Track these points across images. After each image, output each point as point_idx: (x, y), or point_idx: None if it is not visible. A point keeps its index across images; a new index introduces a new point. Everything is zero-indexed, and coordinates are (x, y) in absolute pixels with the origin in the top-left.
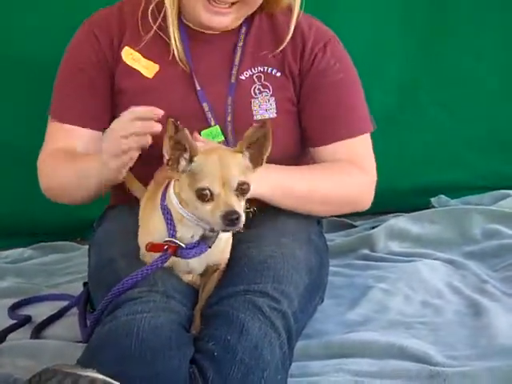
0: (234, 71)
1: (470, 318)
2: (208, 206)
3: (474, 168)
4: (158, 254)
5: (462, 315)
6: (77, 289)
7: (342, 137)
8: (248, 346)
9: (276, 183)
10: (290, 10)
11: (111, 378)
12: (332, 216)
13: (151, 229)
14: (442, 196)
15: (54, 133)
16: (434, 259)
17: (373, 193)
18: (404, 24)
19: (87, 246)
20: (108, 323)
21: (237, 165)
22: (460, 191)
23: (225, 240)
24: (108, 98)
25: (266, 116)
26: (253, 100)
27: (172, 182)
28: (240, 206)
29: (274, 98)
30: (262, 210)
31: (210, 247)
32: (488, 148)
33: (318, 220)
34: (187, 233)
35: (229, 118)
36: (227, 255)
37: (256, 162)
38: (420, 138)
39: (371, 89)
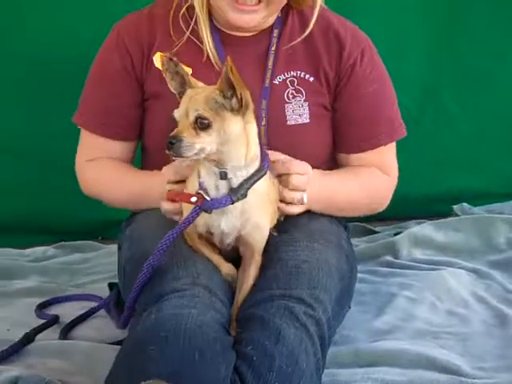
0: (268, 75)
1: (497, 329)
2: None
3: (495, 174)
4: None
5: (488, 326)
6: (101, 289)
7: (374, 146)
8: (284, 352)
9: (319, 193)
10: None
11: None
12: (354, 221)
13: (188, 185)
14: (465, 204)
15: (86, 141)
16: (459, 268)
17: (390, 197)
18: (425, 26)
19: (109, 246)
20: (154, 314)
21: (206, 99)
22: (481, 198)
23: (254, 209)
24: (137, 104)
25: (299, 121)
26: (286, 105)
27: None
28: (193, 136)
29: (307, 103)
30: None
31: (233, 202)
32: (509, 154)
33: (345, 225)
34: (209, 181)
35: (263, 122)
36: (261, 237)
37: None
38: (441, 143)
39: None
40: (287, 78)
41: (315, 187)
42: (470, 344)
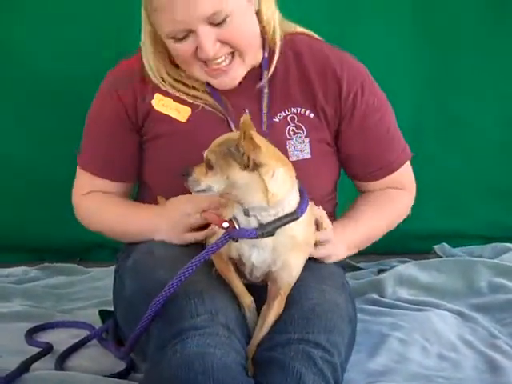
0: (265, 119)
1: (488, 375)
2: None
3: (473, 216)
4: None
5: (480, 372)
6: (90, 316)
7: (388, 173)
8: None
9: (351, 244)
10: (303, 33)
11: None
12: None
13: (224, 212)
14: (445, 244)
15: (85, 178)
16: (443, 309)
17: (410, 207)
18: (412, 69)
19: (92, 270)
20: (179, 352)
21: (221, 143)
22: (459, 238)
23: (285, 247)
24: (134, 150)
25: (301, 157)
26: (288, 141)
27: None
28: (202, 173)
29: (308, 139)
30: None
31: (257, 237)
32: (489, 197)
33: (343, 264)
34: (240, 213)
35: None
36: (289, 277)
37: None
38: (421, 182)
39: None
40: (288, 115)
41: (345, 244)
42: None
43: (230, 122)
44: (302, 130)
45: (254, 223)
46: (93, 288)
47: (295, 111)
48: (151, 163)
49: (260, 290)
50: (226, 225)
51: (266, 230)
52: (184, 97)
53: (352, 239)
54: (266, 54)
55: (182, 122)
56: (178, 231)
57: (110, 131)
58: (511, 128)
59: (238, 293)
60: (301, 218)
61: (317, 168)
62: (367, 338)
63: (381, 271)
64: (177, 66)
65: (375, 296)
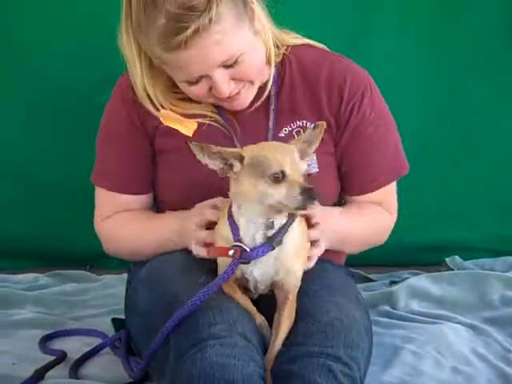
0: (270, 135)
1: None
2: (282, 188)
3: (483, 230)
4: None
5: None
6: (102, 323)
7: (374, 188)
8: None
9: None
10: (307, 44)
11: None
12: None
13: (219, 240)
14: (457, 257)
15: (103, 198)
16: (456, 322)
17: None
18: (424, 86)
19: (103, 277)
20: (199, 361)
21: (293, 152)
22: (470, 252)
23: (288, 254)
24: (148, 159)
25: (308, 171)
26: None
27: None
28: None
29: (314, 153)
30: None
31: (273, 248)
32: (500, 211)
33: (352, 274)
34: (248, 234)
35: None
36: (294, 280)
37: (303, 155)
38: (433, 195)
39: None
40: (293, 130)
41: (330, 230)
42: None
43: (235, 140)
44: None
45: (259, 239)
46: (105, 296)
47: (301, 124)
48: (159, 177)
49: (271, 299)
50: (231, 252)
51: (276, 240)
52: (190, 112)
53: (338, 224)
54: (273, 70)
55: (188, 137)
56: (188, 240)
57: (124, 141)
58: None
59: (250, 314)
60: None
61: (324, 181)
62: (380, 351)
63: (392, 283)
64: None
65: (387, 308)
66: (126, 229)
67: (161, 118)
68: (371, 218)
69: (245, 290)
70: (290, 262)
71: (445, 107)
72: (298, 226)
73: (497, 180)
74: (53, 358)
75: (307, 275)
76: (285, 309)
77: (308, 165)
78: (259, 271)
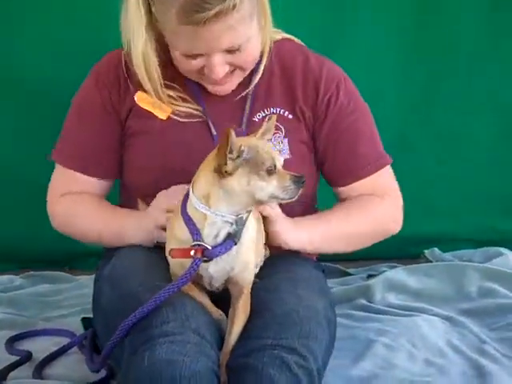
0: (245, 119)
1: (475, 381)
2: (274, 180)
3: (464, 220)
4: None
5: (467, 377)
6: (73, 323)
7: (363, 175)
8: None
9: (306, 236)
10: (287, 39)
11: None
12: (326, 261)
13: (177, 240)
14: (436, 249)
15: (62, 176)
16: (432, 315)
17: (400, 215)
18: (402, 79)
19: (79, 277)
20: (146, 360)
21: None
22: (450, 243)
23: (246, 248)
24: (117, 145)
25: (280, 157)
26: None
27: (190, 193)
28: None
29: (286, 140)
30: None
31: (235, 244)
32: (479, 201)
33: (323, 269)
34: (212, 232)
35: None
36: (249, 274)
37: None
38: (411, 187)
39: None
40: (267, 115)
41: (299, 232)
42: None
43: (210, 124)
44: (281, 130)
45: (222, 236)
46: (78, 296)
47: (274, 111)
48: (130, 162)
49: (228, 293)
50: (193, 253)
51: (238, 235)
52: (166, 97)
53: (310, 231)
54: (264, 61)
55: (162, 120)
56: (147, 227)
57: (95, 122)
58: (500, 134)
59: (206, 308)
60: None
61: (296, 169)
62: (353, 344)
63: (370, 276)
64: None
65: (364, 301)
66: (81, 211)
67: (136, 99)
68: (359, 215)
69: (199, 287)
70: (247, 256)
71: (424, 104)
72: (252, 219)
73: (478, 171)
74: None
75: (271, 269)
76: (239, 303)
77: (280, 150)
78: (215, 268)
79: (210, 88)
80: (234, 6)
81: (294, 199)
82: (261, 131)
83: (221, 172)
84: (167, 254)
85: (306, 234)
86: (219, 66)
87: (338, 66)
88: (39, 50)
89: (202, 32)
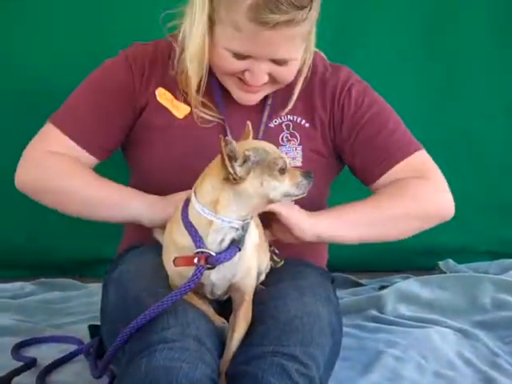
0: (262, 127)
1: None
2: (286, 179)
3: (479, 232)
4: (189, 274)
5: None
6: (81, 331)
7: (396, 161)
8: None
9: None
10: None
11: None
12: (338, 272)
13: (176, 246)
14: (450, 260)
15: (53, 136)
16: (444, 326)
17: (448, 198)
18: (419, 86)
19: (89, 285)
20: (144, 366)
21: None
22: (464, 254)
23: (249, 254)
24: (121, 130)
25: (292, 165)
26: (280, 147)
27: (193, 199)
28: None
29: (301, 148)
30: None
31: (240, 249)
32: (495, 212)
33: (332, 278)
34: (217, 238)
35: None
36: (251, 280)
37: None
38: None
39: None
40: (283, 122)
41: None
42: None
43: (227, 129)
44: (296, 138)
45: (227, 242)
46: (87, 303)
47: (291, 119)
48: (145, 159)
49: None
50: (196, 260)
51: (242, 241)
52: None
53: (328, 216)
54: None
55: (178, 118)
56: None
57: (107, 99)
58: None
59: (208, 316)
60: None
61: None
62: (361, 355)
63: (382, 288)
64: None
65: (374, 312)
66: (79, 174)
67: (157, 94)
68: (390, 192)
69: (199, 296)
70: (249, 262)
71: (438, 107)
72: (252, 224)
73: (493, 180)
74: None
75: (277, 276)
76: (241, 310)
77: (293, 158)
78: (217, 275)
79: (236, 95)
80: (304, 19)
81: (304, 195)
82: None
83: (232, 179)
84: (165, 262)
85: (323, 220)
86: (263, 73)
87: (355, 73)
88: (39, 50)
89: (265, 34)
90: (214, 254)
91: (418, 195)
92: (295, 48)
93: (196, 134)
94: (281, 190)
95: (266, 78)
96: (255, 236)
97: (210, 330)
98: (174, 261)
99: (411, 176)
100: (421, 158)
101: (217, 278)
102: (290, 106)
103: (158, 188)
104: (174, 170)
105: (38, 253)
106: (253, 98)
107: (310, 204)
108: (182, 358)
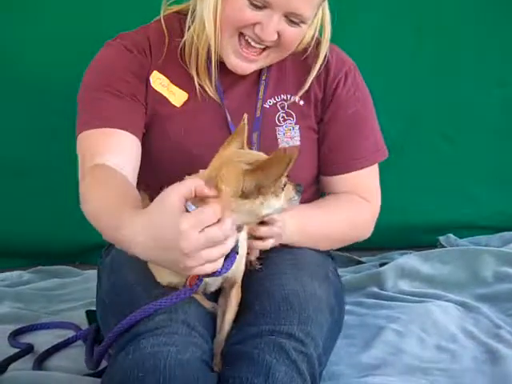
0: (259, 105)
1: (488, 366)
2: (283, 195)
3: (480, 206)
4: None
5: (479, 362)
6: (78, 317)
7: (356, 168)
8: None
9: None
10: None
11: None
12: (338, 250)
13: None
14: (451, 235)
15: (86, 146)
16: (445, 301)
17: (373, 223)
18: (414, 57)
19: (87, 272)
20: (131, 353)
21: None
22: (466, 229)
23: (242, 252)
24: (142, 107)
25: (291, 144)
26: (277, 128)
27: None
28: None
29: (298, 126)
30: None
31: (237, 253)
32: (495, 186)
33: (332, 256)
34: None
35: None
36: (241, 268)
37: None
38: (425, 173)
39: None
40: (277, 102)
41: (289, 224)
42: (462, 381)
43: (226, 110)
44: (292, 116)
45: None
46: (84, 289)
47: (285, 98)
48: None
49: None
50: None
51: (236, 247)
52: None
53: (306, 223)
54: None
55: (176, 107)
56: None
57: (123, 81)
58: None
59: (197, 301)
60: None
61: (305, 155)
62: (362, 331)
63: (383, 265)
64: None
65: (375, 289)
66: (97, 196)
67: (151, 80)
68: (343, 211)
69: None
70: (242, 259)
71: (433, 81)
72: None
73: (492, 154)
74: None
75: (276, 256)
76: (232, 292)
77: (291, 137)
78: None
79: (233, 62)
80: None
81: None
82: (236, 138)
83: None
84: (155, 273)
85: (296, 233)
86: (274, 27)
87: (349, 57)
88: (39, 44)
89: None
90: None
91: (360, 225)
92: (311, 7)
93: (195, 118)
94: (276, 206)
95: (275, 36)
96: (244, 232)
97: (199, 314)
98: (188, 280)
99: (360, 194)
100: (373, 175)
101: (213, 279)
102: (305, 87)
103: (155, 179)
104: (174, 157)
105: (35, 241)
106: (248, 67)
107: (308, 186)
108: (170, 342)
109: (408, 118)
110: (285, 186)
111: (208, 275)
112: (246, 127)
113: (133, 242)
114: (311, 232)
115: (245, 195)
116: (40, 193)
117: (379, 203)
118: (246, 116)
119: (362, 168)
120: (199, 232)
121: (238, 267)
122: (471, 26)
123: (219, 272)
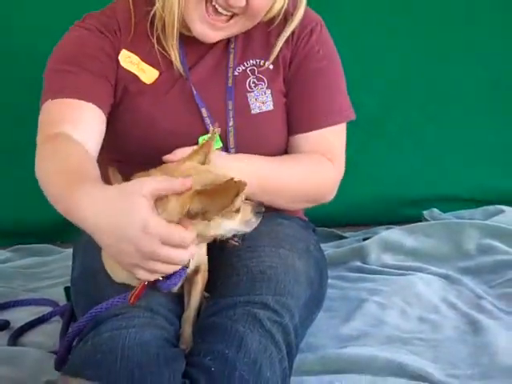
0: (230, 73)
1: (469, 336)
2: (237, 216)
3: (462, 180)
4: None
5: (461, 332)
6: (57, 294)
7: (319, 126)
8: (247, 361)
9: (253, 174)
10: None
11: None
12: (321, 226)
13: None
14: (435, 209)
15: (49, 112)
16: (429, 273)
17: (337, 186)
18: (399, 33)
19: (68, 250)
20: (91, 339)
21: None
22: (449, 203)
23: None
24: (113, 87)
25: (263, 109)
26: (248, 94)
27: None
28: None
29: (269, 91)
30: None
31: (187, 267)
32: (475, 161)
33: (314, 229)
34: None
35: (230, 123)
36: (205, 255)
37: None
38: (407, 147)
39: (358, 92)
40: (247, 68)
41: (246, 171)
42: (442, 351)
43: (191, 84)
44: (263, 81)
45: None
46: (65, 267)
47: (254, 63)
48: (112, 126)
49: None
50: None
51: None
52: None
53: (264, 174)
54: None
55: (146, 84)
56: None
57: (91, 57)
58: (496, 90)
59: None
60: None
61: (278, 120)
62: (344, 304)
63: (366, 239)
64: None
65: (358, 263)
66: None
67: (120, 59)
68: (304, 167)
69: None
70: (203, 257)
71: (414, 59)
72: None
73: (475, 127)
74: None
75: (256, 230)
76: (197, 276)
77: (263, 102)
78: None
79: (199, 30)
80: None
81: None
82: (201, 149)
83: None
84: (109, 270)
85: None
86: None
87: (316, 14)
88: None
89: None
90: (160, 278)
91: (322, 184)
92: None
93: (163, 96)
94: (230, 227)
95: (243, 2)
96: None
97: (163, 300)
98: (130, 299)
99: (322, 152)
100: (339, 134)
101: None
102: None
103: (126, 159)
104: (144, 137)
105: (15, 220)
106: (216, 35)
107: (278, 152)
108: (130, 324)
109: (393, 95)
110: (239, 209)
111: (152, 283)
112: (215, 140)
113: (89, 220)
114: (269, 184)
115: (190, 215)
116: (19, 170)
117: (343, 167)
118: (218, 129)
119: (324, 127)
120: (162, 243)
121: (200, 257)
122: (461, 8)
123: (165, 286)
